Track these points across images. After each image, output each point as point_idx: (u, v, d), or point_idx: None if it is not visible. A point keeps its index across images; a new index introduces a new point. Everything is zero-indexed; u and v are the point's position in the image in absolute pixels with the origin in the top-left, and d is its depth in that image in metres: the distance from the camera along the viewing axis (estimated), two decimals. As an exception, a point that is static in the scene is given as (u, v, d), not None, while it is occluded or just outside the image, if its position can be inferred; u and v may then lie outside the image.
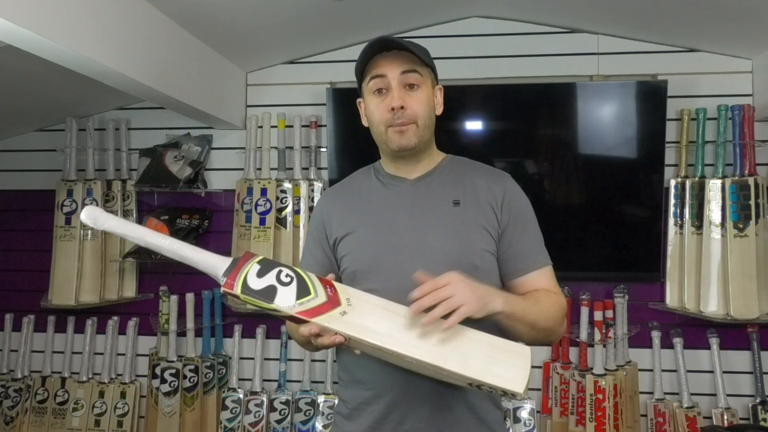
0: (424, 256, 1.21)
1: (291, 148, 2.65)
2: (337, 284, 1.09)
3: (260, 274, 1.03)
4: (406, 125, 1.23)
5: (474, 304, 1.04)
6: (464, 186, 1.29)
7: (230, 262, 1.05)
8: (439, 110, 1.31)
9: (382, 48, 1.24)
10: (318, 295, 1.04)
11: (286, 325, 1.33)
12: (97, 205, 2.67)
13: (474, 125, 2.54)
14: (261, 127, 2.67)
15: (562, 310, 1.26)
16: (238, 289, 1.01)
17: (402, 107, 1.21)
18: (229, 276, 1.02)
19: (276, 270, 1.05)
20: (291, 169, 2.66)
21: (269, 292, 1.02)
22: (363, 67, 1.27)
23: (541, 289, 1.26)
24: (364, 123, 1.33)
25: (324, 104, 2.58)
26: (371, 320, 1.04)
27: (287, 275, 1.04)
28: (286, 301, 1.01)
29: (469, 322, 1.08)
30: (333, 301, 1.05)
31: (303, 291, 1.03)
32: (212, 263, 1.07)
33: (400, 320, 1.06)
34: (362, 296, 1.10)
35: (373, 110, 1.26)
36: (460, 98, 2.50)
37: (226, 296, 1.05)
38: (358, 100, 1.34)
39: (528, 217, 1.30)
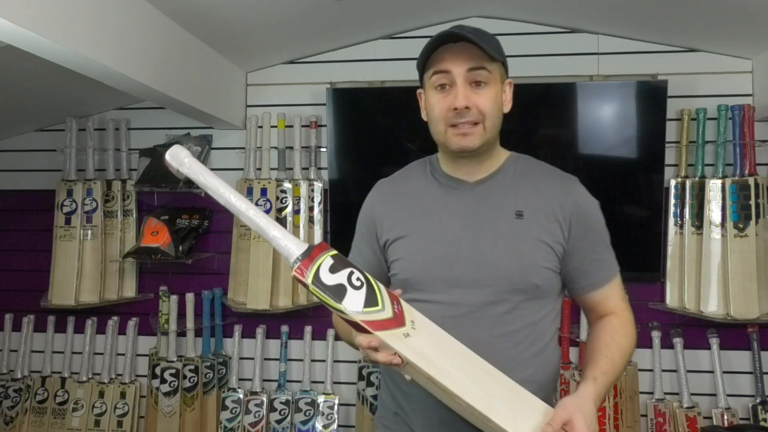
0: (480, 271, 1.14)
1: (291, 148, 2.65)
2: (404, 303, 1.05)
3: (333, 269, 1.00)
4: (472, 126, 1.14)
5: None
6: (528, 194, 1.20)
7: (305, 249, 1.01)
8: (508, 107, 1.22)
9: (448, 40, 1.14)
10: (385, 309, 1.00)
11: (333, 319, 1.33)
12: (97, 206, 2.67)
13: (474, 125, 2.54)
14: (261, 127, 2.67)
15: (633, 330, 1.23)
16: (309, 279, 0.98)
17: (467, 107, 1.12)
18: (303, 263, 0.99)
19: (348, 270, 1.01)
20: (291, 169, 2.66)
21: (339, 291, 0.98)
22: (426, 59, 1.17)
23: (613, 316, 1.21)
24: (423, 117, 1.23)
25: (324, 104, 2.58)
26: (433, 350, 1.01)
27: (358, 279, 1.01)
28: (353, 305, 0.98)
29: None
30: (398, 320, 1.01)
31: (371, 300, 1.00)
32: (286, 245, 1.02)
33: (459, 359, 1.03)
34: (426, 323, 1.06)
35: (433, 106, 1.16)
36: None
37: (296, 281, 1.03)
38: (419, 91, 1.24)
39: (599, 228, 1.22)
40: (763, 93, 2.39)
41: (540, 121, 2.53)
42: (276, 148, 2.67)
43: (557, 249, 1.17)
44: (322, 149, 2.66)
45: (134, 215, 2.75)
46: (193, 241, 2.66)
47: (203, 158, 2.70)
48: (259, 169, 2.68)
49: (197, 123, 2.67)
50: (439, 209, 1.21)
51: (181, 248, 2.58)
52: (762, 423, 2.32)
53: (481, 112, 1.13)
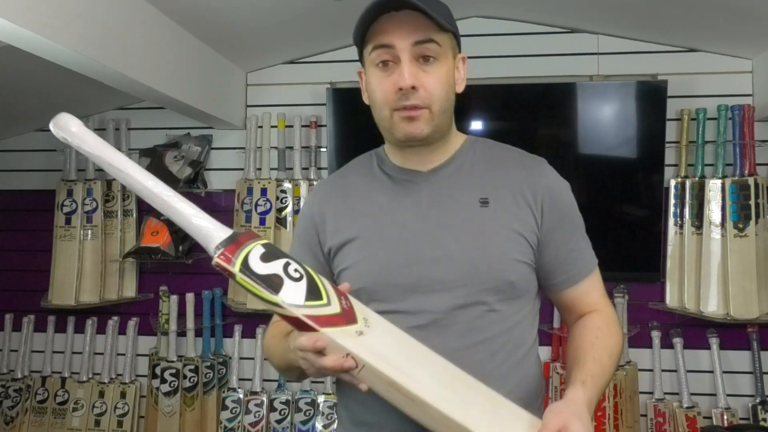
0: (445, 271, 0.99)
1: (291, 148, 2.65)
2: (353, 299, 0.89)
3: (265, 258, 0.82)
4: (417, 110, 0.97)
5: None
6: (493, 179, 1.04)
7: (229, 234, 0.84)
8: (461, 86, 1.06)
9: (389, 7, 0.96)
10: (331, 304, 0.83)
11: (264, 343, 1.15)
12: (97, 206, 2.67)
13: (474, 125, 2.53)
14: (261, 127, 2.67)
15: (618, 329, 1.08)
16: (236, 267, 0.79)
17: (413, 87, 0.96)
18: (227, 248, 0.81)
19: (284, 260, 0.84)
20: (291, 169, 2.66)
21: (274, 282, 0.80)
22: (364, 31, 1.01)
23: (595, 314, 1.07)
24: (365, 99, 1.07)
25: (324, 104, 2.58)
26: (393, 351, 0.85)
27: (296, 270, 0.84)
28: (292, 297, 0.80)
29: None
30: (348, 316, 0.84)
31: (313, 293, 0.83)
32: (207, 228, 0.84)
33: (425, 361, 0.88)
34: (382, 322, 0.90)
35: (375, 87, 1.01)
36: (459, 98, 2.49)
37: (219, 269, 0.83)
38: (359, 69, 1.08)
39: (573, 213, 1.07)
40: (763, 93, 2.38)
41: (540, 121, 2.54)
42: (276, 148, 2.67)
43: (531, 239, 1.02)
44: (322, 149, 2.66)
45: (134, 215, 2.75)
46: (194, 241, 2.64)
47: (203, 158, 2.70)
48: (259, 169, 2.68)
49: (197, 123, 2.67)
50: (392, 205, 1.05)
51: (181, 248, 2.58)
52: (762, 423, 2.32)
53: (430, 94, 0.97)
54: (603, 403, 2.37)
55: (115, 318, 2.76)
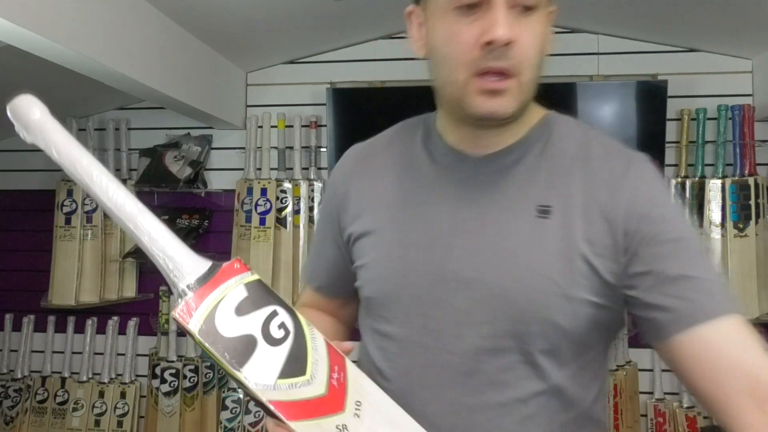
0: (472, 299, 0.74)
1: (291, 148, 2.65)
2: (350, 368, 0.67)
3: (242, 309, 0.61)
4: (505, 80, 0.71)
5: None
6: (564, 179, 0.76)
7: (203, 272, 0.62)
8: (548, 49, 0.76)
9: None
10: (315, 380, 0.62)
11: None
12: (97, 206, 2.66)
13: (474, 125, 2.54)
14: (261, 127, 2.67)
15: None
16: (196, 326, 0.59)
17: (508, 43, 0.69)
18: (194, 295, 0.61)
19: (268, 310, 0.63)
20: (291, 169, 2.66)
21: (242, 348, 0.60)
22: None
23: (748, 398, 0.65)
24: (417, 51, 0.80)
25: (324, 104, 2.58)
26: None
27: (282, 326, 0.63)
28: (262, 372, 0.60)
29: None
30: (334, 400, 0.63)
31: (295, 364, 0.62)
32: (178, 260, 0.62)
33: None
34: (381, 403, 0.67)
35: (448, 37, 0.72)
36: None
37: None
38: (410, 8, 0.81)
39: (677, 231, 0.73)
40: (763, 93, 2.39)
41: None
42: (276, 148, 2.67)
43: (603, 269, 0.72)
44: (322, 149, 2.66)
45: (134, 215, 2.74)
46: (193, 241, 2.65)
47: (203, 158, 2.70)
48: (259, 169, 2.68)
49: (197, 123, 2.67)
50: (424, 196, 0.81)
51: (181, 248, 2.58)
52: (762, 423, 2.32)
53: (525, 55, 0.71)
54: (603, 403, 2.37)
55: (115, 318, 2.76)
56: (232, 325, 0.60)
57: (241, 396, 2.59)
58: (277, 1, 2.08)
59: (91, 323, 2.77)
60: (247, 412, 2.58)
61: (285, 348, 0.62)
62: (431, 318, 0.77)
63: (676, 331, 0.70)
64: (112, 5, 1.73)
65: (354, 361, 0.71)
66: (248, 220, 2.60)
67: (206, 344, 0.60)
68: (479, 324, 0.75)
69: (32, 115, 0.66)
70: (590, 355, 0.77)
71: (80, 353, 2.76)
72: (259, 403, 0.61)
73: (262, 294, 0.64)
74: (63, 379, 2.75)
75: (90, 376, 2.75)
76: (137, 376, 2.76)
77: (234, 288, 0.62)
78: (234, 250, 2.61)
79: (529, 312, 0.73)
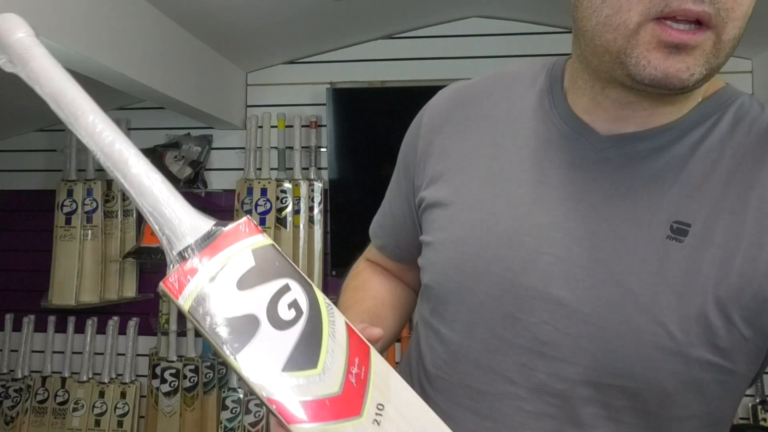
0: (553, 327, 0.57)
1: (291, 148, 2.65)
2: (375, 360, 0.52)
3: (246, 281, 0.49)
4: (699, 32, 0.50)
5: None
6: (721, 190, 0.54)
7: (204, 233, 0.50)
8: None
9: None
10: (326, 377, 0.49)
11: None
12: (97, 206, 2.67)
13: (474, 125, 2.54)
14: (261, 127, 2.67)
15: None
16: (187, 300, 0.49)
17: None
18: (190, 260, 0.50)
19: (279, 284, 0.50)
20: (291, 169, 2.66)
21: (242, 330, 0.48)
22: None
23: None
24: None
25: (324, 104, 2.58)
26: None
27: (293, 305, 0.50)
28: (262, 363, 0.48)
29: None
30: (350, 401, 0.49)
31: (305, 355, 0.49)
32: (174, 214, 0.50)
33: None
34: (412, 413, 0.51)
35: None
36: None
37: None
38: None
39: None
40: (763, 93, 2.38)
41: (540, 121, 2.53)
42: (276, 148, 2.67)
43: (743, 321, 0.53)
44: (322, 149, 2.66)
45: (134, 215, 2.75)
46: (193, 241, 2.66)
47: (203, 158, 2.70)
48: (259, 169, 2.68)
49: (197, 123, 2.67)
50: (524, 173, 0.62)
51: (181, 248, 2.58)
52: (762, 423, 2.32)
53: (735, 1, 0.54)
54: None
55: (116, 318, 2.76)
56: (231, 302, 0.49)
57: (242, 396, 2.59)
58: (277, 1, 2.08)
59: (91, 323, 2.77)
60: (248, 412, 2.58)
61: (294, 333, 0.49)
62: (496, 336, 0.60)
63: None
64: (113, 5, 1.73)
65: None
66: (248, 220, 2.60)
67: (198, 323, 0.48)
68: (556, 359, 0.58)
69: (13, 35, 0.52)
70: (705, 426, 0.59)
71: (80, 353, 2.76)
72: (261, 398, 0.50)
73: (273, 263, 0.51)
74: (63, 379, 2.75)
75: (90, 376, 2.75)
76: (137, 376, 2.76)
77: (238, 255, 0.50)
78: (234, 250, 2.61)
79: (627, 363, 0.54)
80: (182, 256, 0.50)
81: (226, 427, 2.57)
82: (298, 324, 0.49)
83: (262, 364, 0.48)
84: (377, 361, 0.52)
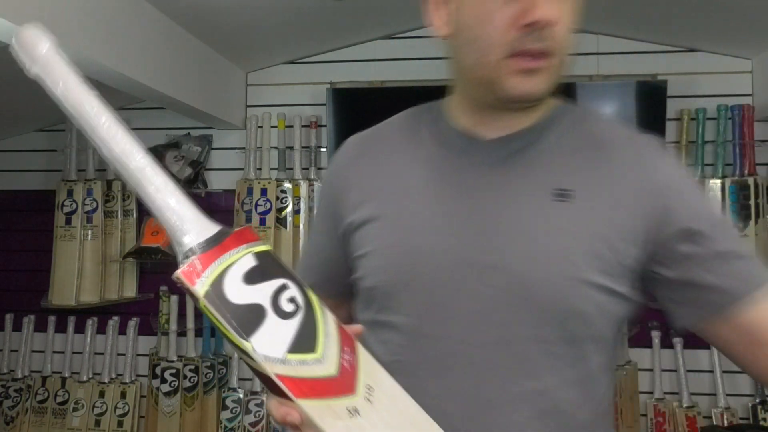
0: (489, 286, 0.71)
1: (291, 148, 2.65)
2: (361, 352, 0.62)
3: (251, 278, 0.57)
4: (543, 59, 0.69)
5: None
6: (582, 164, 0.75)
7: (212, 234, 0.58)
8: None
9: None
10: (325, 359, 0.58)
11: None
12: (97, 206, 2.67)
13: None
14: (261, 127, 2.67)
15: None
16: (202, 288, 0.55)
17: (549, 24, 0.67)
18: (201, 257, 0.56)
19: (278, 282, 0.59)
20: (291, 169, 2.66)
21: (250, 317, 0.56)
22: None
23: None
24: (439, 31, 0.78)
25: (324, 104, 2.58)
26: None
27: (292, 300, 0.59)
28: (270, 344, 0.55)
29: None
30: (345, 381, 0.58)
31: (305, 340, 0.57)
32: (184, 219, 0.57)
33: None
34: (392, 390, 0.62)
35: (479, 17, 0.70)
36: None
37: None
38: None
39: (716, 209, 0.80)
40: (762, 93, 2.39)
41: (540, 121, 2.53)
42: (276, 148, 2.67)
43: (624, 256, 0.71)
44: (322, 149, 2.66)
45: (134, 215, 2.74)
46: (194, 241, 2.66)
47: (203, 158, 2.70)
48: (259, 169, 2.68)
49: (197, 123, 2.67)
50: (434, 182, 0.77)
51: (181, 248, 2.58)
52: (762, 423, 2.32)
53: (563, 36, 0.70)
54: (603, 402, 2.37)
55: (116, 318, 2.76)
56: (240, 293, 0.56)
57: (241, 396, 2.59)
58: (277, 1, 2.08)
59: (91, 323, 2.77)
60: (248, 412, 2.58)
61: (295, 322, 0.58)
62: (445, 307, 0.72)
63: (730, 305, 0.69)
64: (112, 5, 1.73)
65: None
66: (248, 220, 2.60)
67: (212, 309, 0.55)
68: (499, 312, 0.71)
69: (40, 48, 0.58)
70: (605, 348, 0.76)
71: (80, 353, 2.76)
72: (265, 378, 0.57)
73: (272, 265, 0.60)
74: (63, 379, 2.75)
75: (90, 376, 2.75)
76: (137, 376, 2.76)
77: (244, 255, 0.58)
78: (234, 250, 2.61)
79: (550, 298, 0.70)
80: (193, 252, 0.56)
81: (226, 427, 2.57)
82: (297, 315, 0.58)
83: (270, 346, 0.55)
84: (362, 351, 0.62)
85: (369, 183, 0.81)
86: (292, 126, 2.65)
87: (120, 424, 2.65)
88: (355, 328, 0.65)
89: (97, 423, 2.65)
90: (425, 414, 0.63)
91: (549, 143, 0.77)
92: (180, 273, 0.56)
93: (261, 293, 0.57)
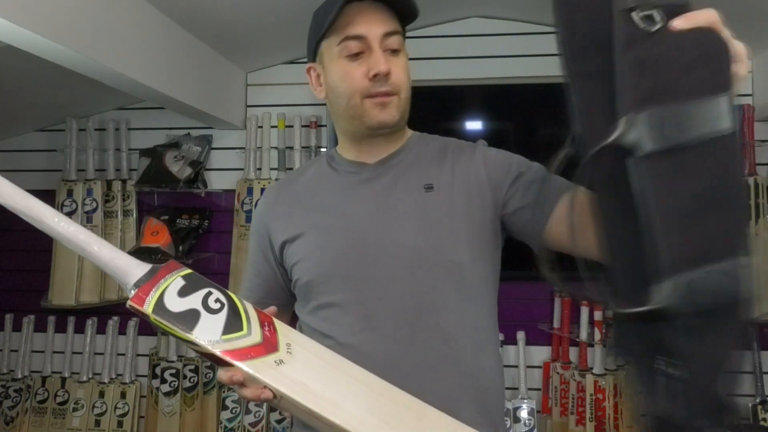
0: (391, 257, 1.00)
1: (291, 148, 2.65)
2: (278, 323, 0.87)
3: (183, 292, 0.81)
4: (389, 96, 1.01)
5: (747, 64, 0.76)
6: (437, 166, 1.06)
7: (147, 270, 0.82)
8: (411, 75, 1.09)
9: None
10: (251, 333, 0.81)
11: None
12: (97, 206, 2.67)
13: (474, 125, 2.53)
14: (261, 127, 2.67)
15: None
16: (149, 308, 0.78)
17: (388, 73, 0.99)
18: (141, 288, 0.80)
19: (204, 291, 0.83)
20: (291, 169, 2.66)
21: (189, 318, 0.79)
22: (323, 24, 1.04)
23: None
24: (318, 94, 1.13)
25: (324, 104, 2.57)
26: (314, 378, 0.82)
27: (217, 300, 0.83)
28: (208, 333, 0.79)
29: None
30: (269, 344, 0.82)
31: (233, 324, 0.81)
32: (124, 266, 0.83)
33: (351, 384, 0.84)
34: (308, 345, 0.87)
35: (342, 77, 1.03)
36: (460, 98, 2.49)
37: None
38: (309, 65, 1.14)
39: (519, 163, 1.05)
40: (763, 93, 2.39)
41: (540, 121, 2.53)
42: (276, 148, 2.67)
43: (482, 217, 1.02)
44: (322, 149, 2.66)
45: (134, 215, 2.75)
46: (194, 241, 2.66)
47: (203, 158, 2.70)
48: (259, 169, 2.68)
49: (197, 123, 2.67)
50: (339, 198, 1.07)
51: (181, 248, 2.58)
52: (762, 423, 2.32)
53: (399, 80, 1.02)
54: (603, 403, 2.37)
55: (116, 318, 2.76)
56: (177, 304, 0.80)
57: (241, 396, 2.59)
58: (277, 2, 2.08)
59: (91, 323, 2.77)
60: (248, 412, 2.58)
61: (223, 314, 0.82)
62: (363, 280, 1.00)
63: (551, 209, 0.97)
64: (113, 5, 1.73)
65: None
66: (248, 220, 2.60)
67: (160, 320, 0.78)
68: (401, 275, 0.99)
69: None
70: (484, 290, 1.04)
71: (80, 353, 2.76)
72: (210, 356, 0.79)
73: (197, 281, 0.85)
74: (63, 379, 2.75)
75: (90, 376, 2.75)
76: (137, 376, 2.76)
77: (174, 279, 0.83)
78: (234, 250, 2.61)
79: (439, 258, 0.99)
80: (137, 285, 0.81)
81: (226, 427, 2.57)
82: (223, 310, 0.82)
83: (208, 334, 0.79)
84: (278, 323, 0.87)
85: (291, 212, 1.10)
86: (292, 126, 2.65)
87: (120, 424, 2.65)
88: (271, 309, 0.92)
89: (97, 423, 2.65)
90: (340, 357, 0.87)
91: (413, 156, 1.09)
92: (130, 301, 0.79)
93: (193, 301, 0.81)
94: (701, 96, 0.64)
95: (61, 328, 2.81)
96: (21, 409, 2.72)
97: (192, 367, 2.62)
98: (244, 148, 2.68)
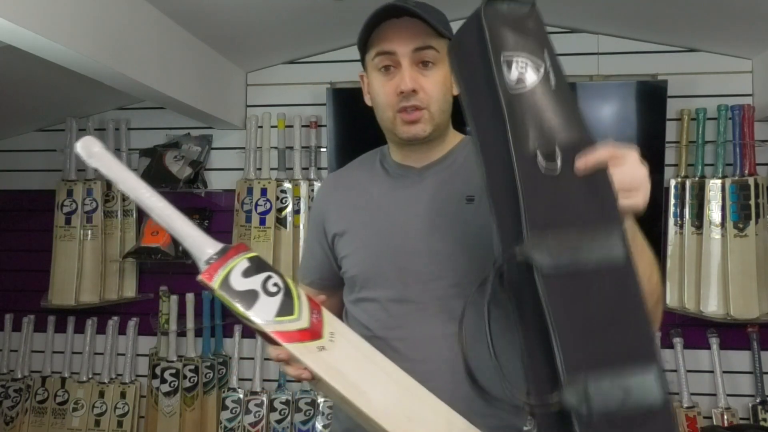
0: (428, 264, 1.06)
1: (291, 148, 2.65)
2: (325, 312, 0.96)
3: (247, 273, 0.90)
4: (418, 112, 1.04)
5: (645, 193, 0.77)
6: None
7: (219, 249, 0.91)
8: (453, 89, 1.09)
9: (390, 15, 1.04)
10: (301, 319, 0.90)
11: None
12: (97, 206, 2.67)
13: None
14: (261, 127, 2.67)
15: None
16: (216, 283, 0.88)
17: (414, 90, 1.02)
18: (212, 265, 0.89)
19: (265, 275, 0.91)
20: (291, 169, 2.66)
21: (249, 298, 0.88)
22: (367, 37, 1.08)
23: None
24: (367, 101, 1.14)
25: (324, 104, 2.58)
26: (350, 367, 0.91)
27: (275, 284, 0.91)
28: (264, 313, 0.88)
29: None
30: (314, 331, 0.91)
31: (286, 308, 0.90)
32: (199, 244, 0.92)
33: (381, 377, 0.93)
34: (349, 336, 0.97)
35: (378, 91, 1.07)
36: (459, 98, 2.50)
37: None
38: (361, 73, 1.15)
39: None
40: (762, 93, 2.39)
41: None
42: (276, 148, 2.67)
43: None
44: (322, 149, 2.66)
45: (134, 215, 2.75)
46: (193, 241, 2.66)
47: (203, 158, 2.70)
48: (259, 169, 2.68)
49: (197, 123, 2.67)
50: (385, 199, 1.13)
51: (181, 248, 2.58)
52: (762, 423, 2.32)
53: (429, 96, 1.04)
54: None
55: (115, 318, 2.76)
56: (241, 283, 0.89)
57: (241, 396, 2.59)
58: (277, 1, 2.08)
59: (91, 323, 2.77)
60: (247, 412, 2.58)
61: (278, 298, 0.90)
62: (401, 281, 1.07)
63: None
64: (113, 5, 1.73)
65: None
66: (248, 220, 2.60)
67: (224, 295, 0.88)
68: (434, 280, 1.05)
69: (94, 147, 0.92)
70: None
71: (80, 353, 2.76)
72: (263, 335, 0.88)
73: (260, 264, 0.92)
74: (63, 379, 2.75)
75: (90, 376, 2.75)
76: (137, 376, 2.76)
77: (241, 260, 0.91)
78: (234, 250, 2.61)
79: (472, 271, 1.00)
80: (209, 262, 0.90)
81: (225, 427, 2.57)
82: (279, 294, 0.91)
83: (263, 314, 0.88)
84: (326, 312, 0.96)
85: (343, 206, 1.18)
86: (292, 126, 2.65)
87: (120, 424, 2.65)
88: (321, 297, 1.02)
89: (97, 423, 2.65)
90: (374, 349, 0.96)
91: (459, 165, 1.11)
92: (201, 276, 0.89)
93: (254, 282, 0.90)
94: (593, 225, 0.73)
95: (60, 328, 2.81)
96: (21, 409, 2.72)
97: (192, 367, 2.62)
98: (244, 148, 2.68)
